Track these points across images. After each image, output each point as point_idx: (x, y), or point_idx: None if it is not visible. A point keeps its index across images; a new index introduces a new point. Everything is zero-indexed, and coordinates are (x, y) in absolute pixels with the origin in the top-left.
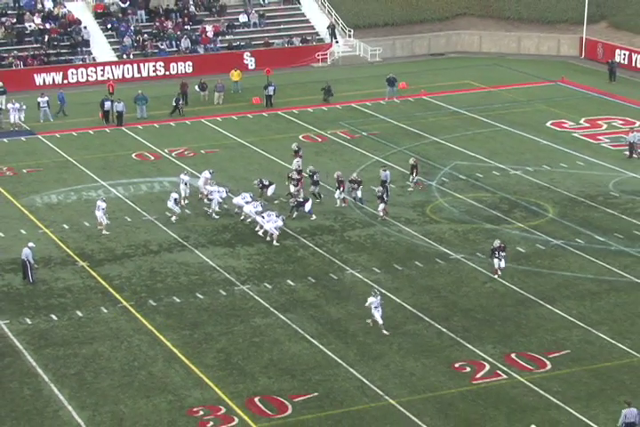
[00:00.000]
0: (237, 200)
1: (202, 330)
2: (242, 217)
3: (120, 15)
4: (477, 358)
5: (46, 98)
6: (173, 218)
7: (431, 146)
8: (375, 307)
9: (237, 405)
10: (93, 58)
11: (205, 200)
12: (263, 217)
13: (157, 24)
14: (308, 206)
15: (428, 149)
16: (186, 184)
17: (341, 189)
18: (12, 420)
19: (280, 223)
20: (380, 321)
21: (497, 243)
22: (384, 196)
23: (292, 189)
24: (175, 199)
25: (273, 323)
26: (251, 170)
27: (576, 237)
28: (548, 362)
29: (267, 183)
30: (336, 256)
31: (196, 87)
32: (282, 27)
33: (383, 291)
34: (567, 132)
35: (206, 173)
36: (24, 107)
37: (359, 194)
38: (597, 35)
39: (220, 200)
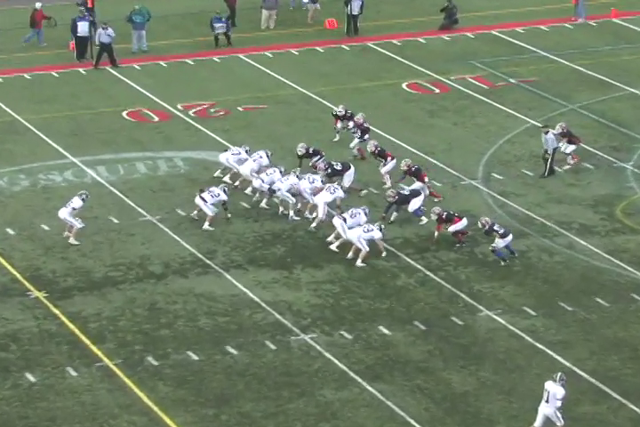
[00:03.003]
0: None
1: (234, 408)
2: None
3: None
4: None
5: None
6: (206, 224)
7: (625, 102)
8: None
9: None
10: None
11: (255, 196)
12: (343, 218)
13: None
14: (415, 204)
15: (620, 106)
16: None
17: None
18: None
19: (377, 235)
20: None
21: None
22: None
23: (386, 179)
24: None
25: (354, 398)
26: (320, 141)
27: None
28: None
29: (339, 168)
30: (462, 287)
31: None
32: None
33: (541, 346)
34: None
35: (261, 156)
36: None
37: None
38: None
39: (290, 199)
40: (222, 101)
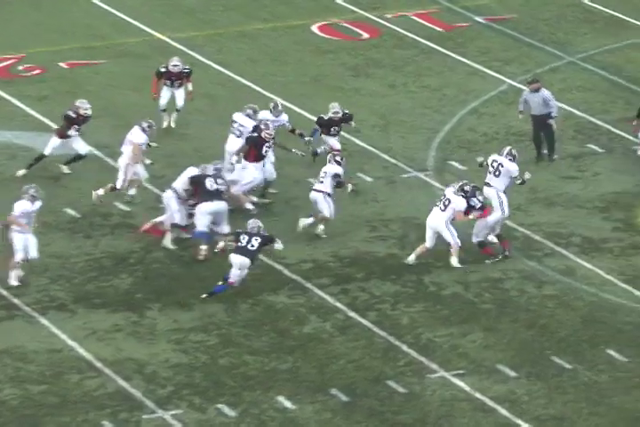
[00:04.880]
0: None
1: None
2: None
3: None
4: None
5: None
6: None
7: None
8: None
9: None
10: None
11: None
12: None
13: None
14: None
15: None
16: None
17: None
18: None
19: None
20: None
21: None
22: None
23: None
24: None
25: None
26: (189, 113)
27: None
28: None
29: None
30: (404, 335)
31: None
32: None
33: (525, 424)
34: None
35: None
36: None
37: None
38: None
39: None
40: (35, 54)
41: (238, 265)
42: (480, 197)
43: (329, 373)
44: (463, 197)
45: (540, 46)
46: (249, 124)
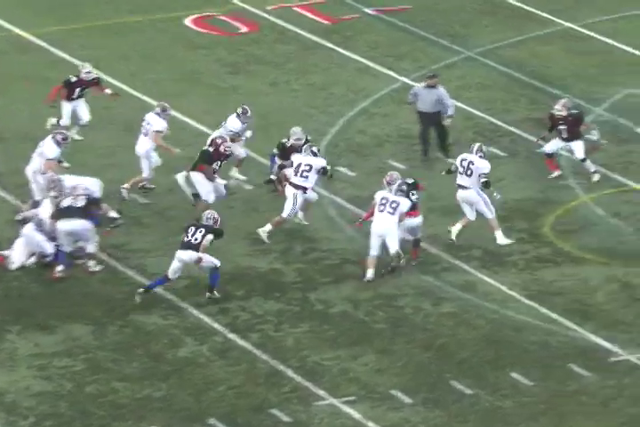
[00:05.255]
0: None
1: None
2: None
3: None
4: None
5: None
6: None
7: (556, 44)
8: None
9: None
10: None
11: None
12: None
13: None
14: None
15: (548, 52)
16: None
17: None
18: None
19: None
20: None
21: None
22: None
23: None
24: None
25: None
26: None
27: None
28: None
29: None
30: (289, 358)
31: None
32: None
33: None
34: None
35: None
36: None
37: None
38: None
39: None
40: None
41: (182, 260)
42: (415, 196)
43: (207, 400)
44: (403, 196)
45: (436, 40)
46: (155, 121)
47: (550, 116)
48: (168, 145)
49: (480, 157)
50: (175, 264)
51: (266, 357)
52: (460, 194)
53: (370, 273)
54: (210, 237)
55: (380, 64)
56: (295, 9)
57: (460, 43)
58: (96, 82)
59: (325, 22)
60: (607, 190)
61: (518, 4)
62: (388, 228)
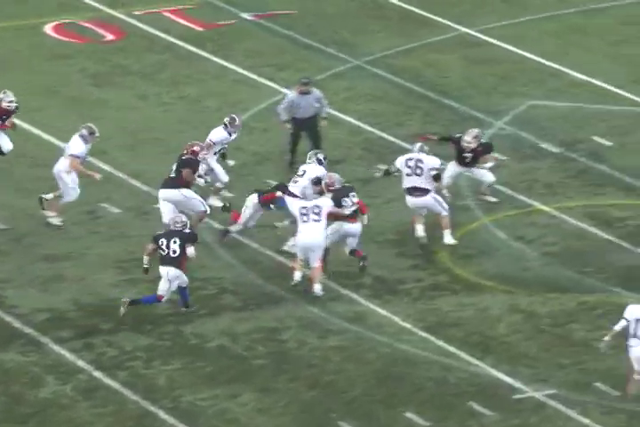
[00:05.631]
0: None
1: None
2: None
3: None
4: None
5: None
6: None
7: (452, 52)
8: None
9: None
10: None
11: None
12: None
13: None
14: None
15: (444, 60)
16: None
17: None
18: None
19: None
20: None
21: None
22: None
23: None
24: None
25: None
26: None
27: None
28: None
29: None
30: (160, 399)
31: None
32: None
33: None
34: None
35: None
36: None
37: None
38: None
39: None
40: None
41: (166, 277)
42: (353, 199)
43: None
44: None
45: (321, 48)
46: (74, 144)
47: (455, 144)
48: (90, 171)
49: (426, 154)
50: (164, 284)
51: (136, 397)
52: (413, 201)
53: (297, 275)
54: (191, 249)
55: (259, 74)
56: (166, 15)
57: (347, 51)
58: (15, 111)
59: (199, 29)
60: (510, 211)
61: (411, 8)
62: (315, 238)
